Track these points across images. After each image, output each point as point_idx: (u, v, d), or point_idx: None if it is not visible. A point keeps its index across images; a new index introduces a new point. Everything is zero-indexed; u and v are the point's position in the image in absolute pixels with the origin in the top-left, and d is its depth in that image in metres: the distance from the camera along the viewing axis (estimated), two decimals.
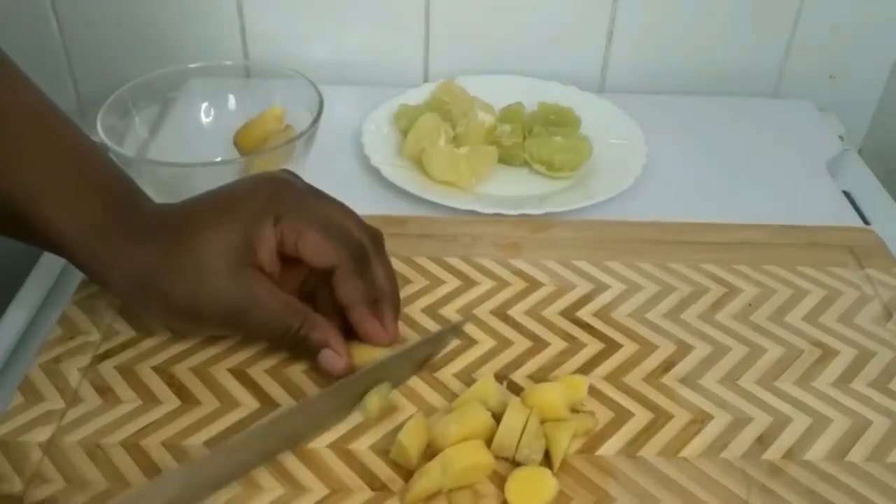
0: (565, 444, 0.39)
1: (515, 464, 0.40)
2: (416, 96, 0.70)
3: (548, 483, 0.38)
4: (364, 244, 0.44)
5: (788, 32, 0.75)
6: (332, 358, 0.43)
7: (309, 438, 0.41)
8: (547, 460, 0.40)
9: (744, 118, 0.73)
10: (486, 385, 0.42)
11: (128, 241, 0.43)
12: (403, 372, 0.44)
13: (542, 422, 0.40)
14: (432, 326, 0.48)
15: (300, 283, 0.46)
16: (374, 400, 0.42)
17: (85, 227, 0.43)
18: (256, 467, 0.39)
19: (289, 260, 0.44)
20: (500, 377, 0.44)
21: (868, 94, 0.79)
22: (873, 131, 0.80)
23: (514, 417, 0.40)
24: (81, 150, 0.45)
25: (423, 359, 0.45)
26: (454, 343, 0.46)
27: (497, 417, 0.40)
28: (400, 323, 0.46)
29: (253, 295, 0.42)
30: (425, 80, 0.77)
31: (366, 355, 0.44)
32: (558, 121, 0.67)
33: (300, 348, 0.43)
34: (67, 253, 0.43)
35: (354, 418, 0.42)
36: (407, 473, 0.39)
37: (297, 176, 0.46)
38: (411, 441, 0.39)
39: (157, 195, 0.58)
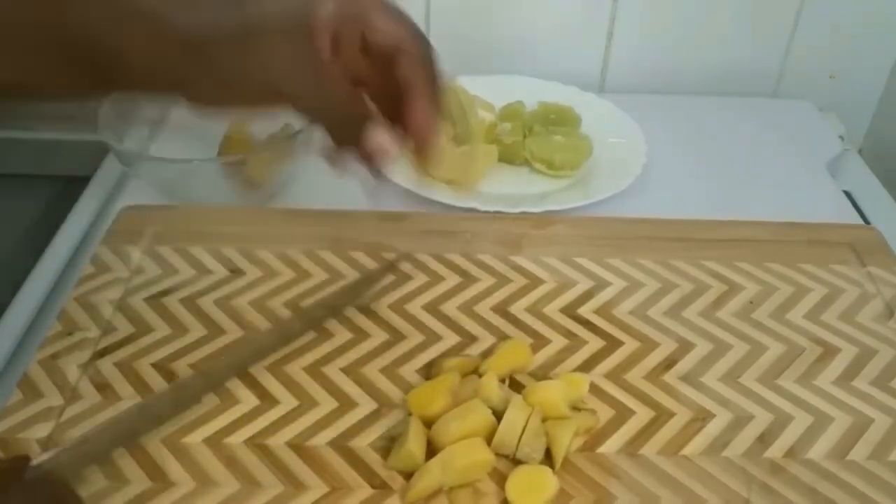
0: (566, 442, 0.39)
1: (516, 462, 0.39)
2: None
3: (548, 481, 0.38)
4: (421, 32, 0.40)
5: (788, 32, 0.75)
6: (388, 141, 0.40)
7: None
8: (548, 459, 0.40)
9: (744, 118, 0.73)
10: (489, 383, 0.42)
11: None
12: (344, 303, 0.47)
13: (544, 420, 0.40)
14: (433, 323, 0.48)
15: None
16: None
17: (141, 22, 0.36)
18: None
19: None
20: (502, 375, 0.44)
21: (868, 94, 0.79)
22: (873, 131, 0.80)
23: (515, 415, 0.39)
24: None
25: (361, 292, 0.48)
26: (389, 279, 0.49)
27: (498, 415, 0.40)
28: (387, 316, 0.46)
29: (321, 70, 0.38)
30: None
31: None
32: (558, 120, 0.67)
33: (350, 135, 0.40)
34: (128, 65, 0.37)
35: (358, 412, 0.42)
36: (406, 471, 0.39)
37: None
38: (420, 447, 0.39)
39: (159, 193, 0.59)
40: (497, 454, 0.39)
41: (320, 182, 0.62)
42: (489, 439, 0.39)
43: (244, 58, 0.37)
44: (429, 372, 0.44)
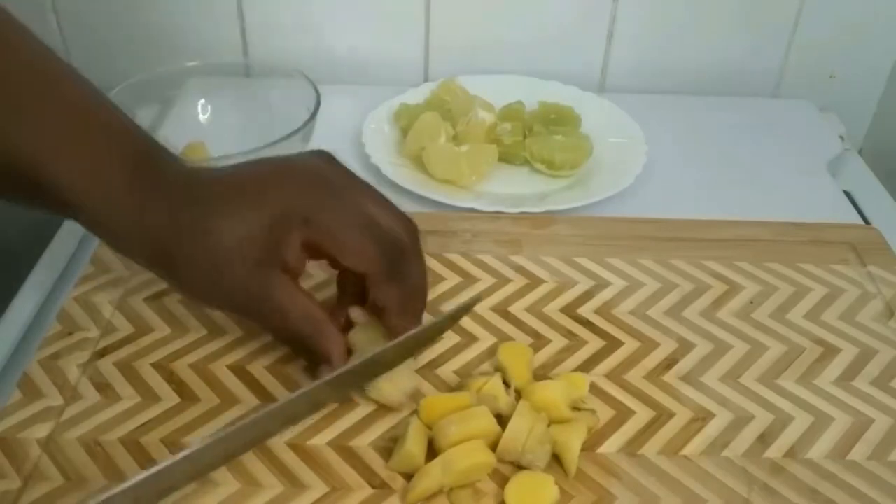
0: (577, 448, 0.39)
1: (519, 466, 0.39)
2: (417, 95, 0.70)
3: (548, 490, 0.38)
4: (399, 242, 0.42)
5: (788, 32, 0.75)
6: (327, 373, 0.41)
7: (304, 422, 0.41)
8: (551, 467, 0.39)
9: (744, 118, 0.73)
10: (495, 388, 0.41)
11: (149, 200, 0.39)
12: (396, 360, 0.43)
13: (549, 424, 0.40)
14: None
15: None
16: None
17: (102, 186, 0.39)
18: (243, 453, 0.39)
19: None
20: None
21: (868, 94, 0.79)
22: (873, 131, 0.80)
23: (520, 423, 0.39)
24: (92, 102, 0.40)
25: (416, 347, 0.44)
26: (446, 334, 0.46)
27: (504, 419, 0.40)
28: None
29: (270, 298, 0.40)
30: (425, 80, 0.77)
31: (365, 336, 0.43)
32: (559, 119, 0.67)
33: (301, 351, 0.43)
34: (81, 215, 0.40)
35: (358, 412, 0.42)
36: (407, 472, 0.39)
37: (332, 158, 0.42)
38: (420, 448, 0.39)
39: None
40: (501, 461, 0.39)
41: None
42: (491, 444, 0.39)
43: (204, 279, 0.40)
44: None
